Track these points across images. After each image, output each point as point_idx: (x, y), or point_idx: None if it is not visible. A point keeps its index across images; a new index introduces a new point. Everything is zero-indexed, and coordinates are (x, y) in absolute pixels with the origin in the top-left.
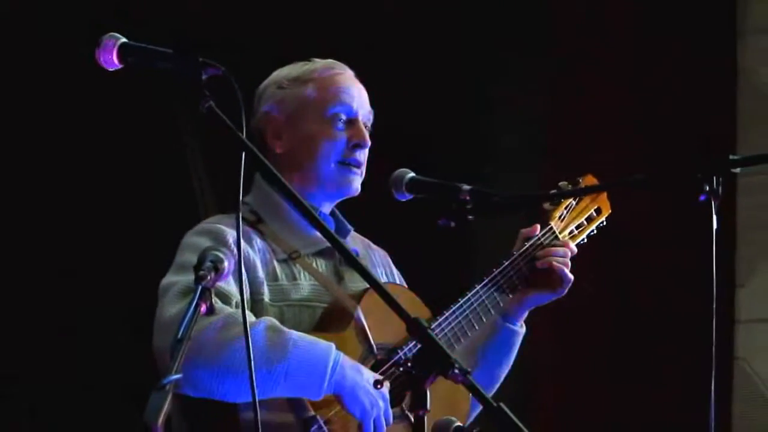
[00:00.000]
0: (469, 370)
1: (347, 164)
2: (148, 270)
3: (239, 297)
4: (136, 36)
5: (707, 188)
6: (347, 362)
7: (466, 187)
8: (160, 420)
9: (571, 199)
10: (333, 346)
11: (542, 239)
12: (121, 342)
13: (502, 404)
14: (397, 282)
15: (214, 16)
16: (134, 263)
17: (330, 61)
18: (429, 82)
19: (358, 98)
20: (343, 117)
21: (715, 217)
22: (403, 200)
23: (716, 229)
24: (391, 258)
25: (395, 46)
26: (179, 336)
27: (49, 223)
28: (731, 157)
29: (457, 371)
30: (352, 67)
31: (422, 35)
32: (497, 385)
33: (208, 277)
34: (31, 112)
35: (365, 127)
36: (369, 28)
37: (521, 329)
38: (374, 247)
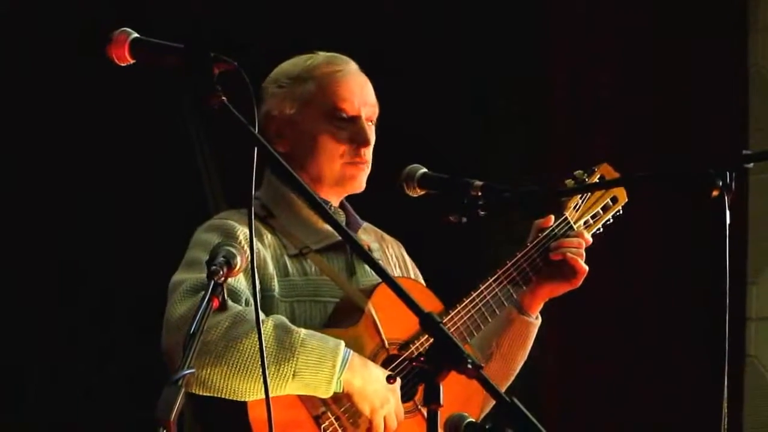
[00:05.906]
0: (483, 364)
1: (351, 163)
2: (156, 266)
3: (249, 294)
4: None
5: (720, 183)
6: (356, 359)
7: (478, 183)
8: (173, 416)
9: None
10: (342, 343)
11: (556, 230)
12: (128, 339)
13: (515, 399)
14: (411, 273)
15: (215, 17)
16: (143, 259)
17: (331, 55)
18: (428, 82)
19: (360, 94)
20: (345, 115)
21: (728, 212)
22: (415, 197)
23: (728, 225)
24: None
25: (395, 46)
26: (192, 330)
27: (55, 217)
28: (744, 152)
29: (470, 366)
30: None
31: (422, 35)
32: (513, 377)
33: (221, 273)
34: (36, 108)
35: (370, 121)
36: (369, 28)
37: (537, 320)
38: (387, 238)
